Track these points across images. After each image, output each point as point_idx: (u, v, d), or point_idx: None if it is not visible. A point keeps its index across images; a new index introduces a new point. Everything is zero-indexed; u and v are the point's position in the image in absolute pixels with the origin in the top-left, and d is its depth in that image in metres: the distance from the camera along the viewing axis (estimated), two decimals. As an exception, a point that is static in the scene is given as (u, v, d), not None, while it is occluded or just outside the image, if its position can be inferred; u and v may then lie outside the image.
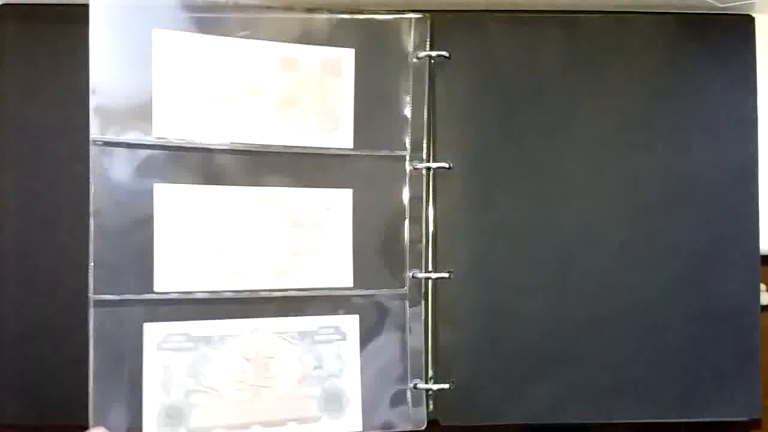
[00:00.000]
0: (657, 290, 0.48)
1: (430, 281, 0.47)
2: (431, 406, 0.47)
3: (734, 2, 0.47)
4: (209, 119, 0.45)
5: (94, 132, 0.43)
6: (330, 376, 0.45)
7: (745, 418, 0.48)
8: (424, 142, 0.47)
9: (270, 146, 0.46)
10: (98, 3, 0.43)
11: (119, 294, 0.42)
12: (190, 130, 0.44)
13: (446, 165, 0.47)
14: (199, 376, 0.43)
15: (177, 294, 0.43)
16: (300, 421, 0.44)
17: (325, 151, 0.46)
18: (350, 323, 0.46)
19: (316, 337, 0.45)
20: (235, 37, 0.46)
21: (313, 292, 0.45)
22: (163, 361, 0.43)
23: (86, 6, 0.45)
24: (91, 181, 0.43)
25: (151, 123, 0.44)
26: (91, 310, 0.42)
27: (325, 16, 0.47)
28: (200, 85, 0.45)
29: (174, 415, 0.43)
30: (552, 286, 0.47)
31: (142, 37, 0.44)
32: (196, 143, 0.45)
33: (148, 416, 0.42)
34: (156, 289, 0.43)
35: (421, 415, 0.46)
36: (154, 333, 0.43)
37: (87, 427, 0.42)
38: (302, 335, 0.45)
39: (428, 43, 0.48)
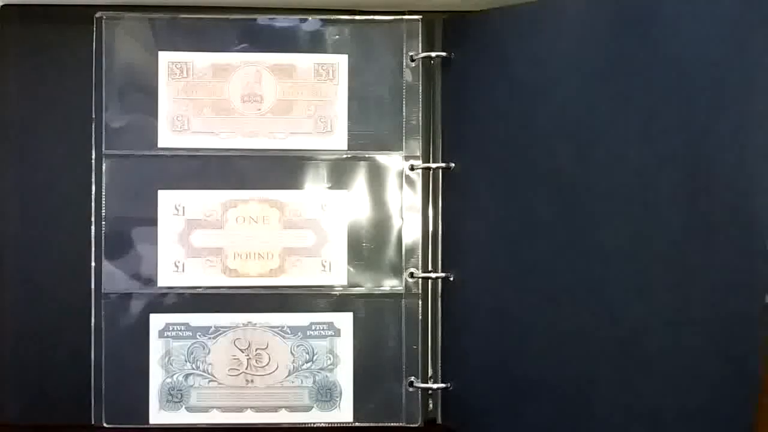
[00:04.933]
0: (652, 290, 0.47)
1: (430, 281, 0.47)
2: (431, 406, 0.48)
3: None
4: (209, 129, 0.48)
5: (105, 145, 0.47)
6: (322, 370, 0.48)
7: None
8: (421, 142, 0.48)
9: (266, 151, 0.48)
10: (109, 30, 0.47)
11: (127, 288, 0.47)
12: (191, 141, 0.47)
13: (446, 165, 0.48)
14: (197, 362, 0.47)
15: (178, 289, 0.47)
16: (291, 409, 0.48)
17: (320, 155, 0.48)
18: (344, 320, 0.48)
19: (309, 332, 0.48)
20: (232, 51, 0.48)
21: (306, 290, 0.48)
22: (165, 347, 0.47)
23: (86, 7, 0.47)
24: (102, 189, 0.47)
25: (156, 135, 0.47)
26: (102, 303, 0.47)
27: (322, 17, 0.48)
28: (201, 98, 0.47)
29: (175, 394, 0.47)
30: (551, 287, 0.47)
31: (148, 57, 0.47)
32: (197, 152, 0.47)
33: (152, 395, 0.47)
34: (159, 284, 0.47)
35: (416, 412, 0.48)
36: (157, 322, 0.47)
37: (89, 426, 0.46)
38: (294, 330, 0.48)
39: (422, 44, 0.47)
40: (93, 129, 0.47)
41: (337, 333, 0.48)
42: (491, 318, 0.47)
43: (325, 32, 0.48)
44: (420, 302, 0.47)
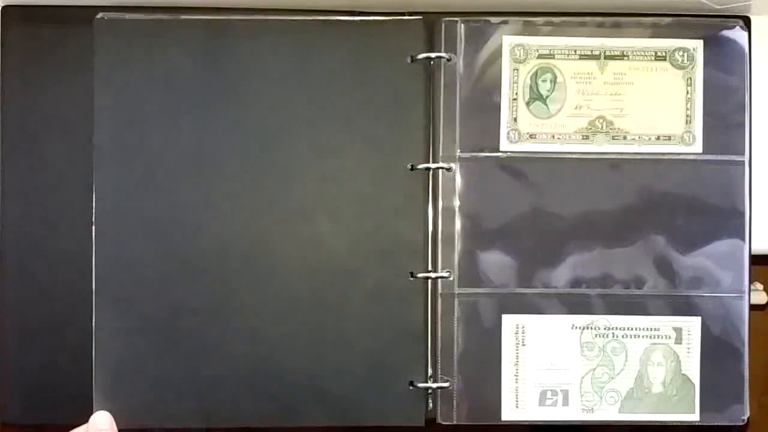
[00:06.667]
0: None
1: (429, 280, 0.48)
2: (430, 405, 0.48)
3: (731, 3, 0.45)
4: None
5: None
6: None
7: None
8: (422, 143, 0.48)
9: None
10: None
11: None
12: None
13: (446, 166, 0.48)
14: None
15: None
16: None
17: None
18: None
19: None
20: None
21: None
22: None
23: (86, 7, 0.47)
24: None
25: None
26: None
27: (321, 18, 0.48)
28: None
29: None
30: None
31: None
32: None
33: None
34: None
35: (419, 412, 0.47)
36: None
37: None
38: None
39: (425, 44, 0.48)
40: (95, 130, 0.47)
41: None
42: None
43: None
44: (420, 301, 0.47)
